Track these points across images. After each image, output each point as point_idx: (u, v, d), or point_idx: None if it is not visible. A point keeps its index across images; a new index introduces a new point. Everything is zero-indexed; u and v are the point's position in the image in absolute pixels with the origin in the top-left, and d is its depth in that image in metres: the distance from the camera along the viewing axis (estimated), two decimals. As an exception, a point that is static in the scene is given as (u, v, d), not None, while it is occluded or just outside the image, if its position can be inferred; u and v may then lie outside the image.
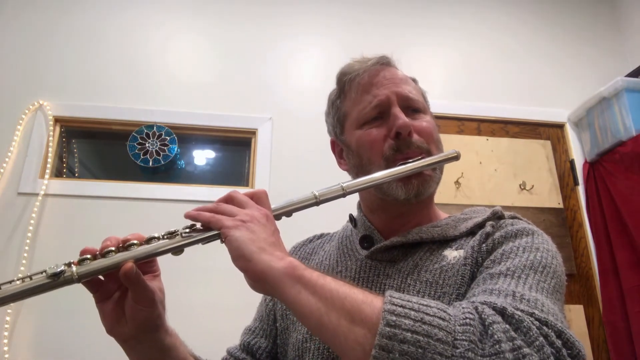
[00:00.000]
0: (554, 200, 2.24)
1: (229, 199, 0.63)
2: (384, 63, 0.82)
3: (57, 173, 2.05)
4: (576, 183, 2.29)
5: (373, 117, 0.78)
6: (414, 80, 0.86)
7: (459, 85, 2.40)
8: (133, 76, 2.16)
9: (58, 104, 2.06)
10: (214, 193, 2.00)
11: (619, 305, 1.98)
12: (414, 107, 0.79)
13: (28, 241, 1.82)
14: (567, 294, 2.05)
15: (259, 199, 0.64)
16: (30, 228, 1.83)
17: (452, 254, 0.70)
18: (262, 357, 0.84)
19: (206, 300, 1.83)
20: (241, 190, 0.66)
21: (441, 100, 2.29)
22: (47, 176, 1.94)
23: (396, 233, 0.77)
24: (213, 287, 1.85)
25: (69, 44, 2.18)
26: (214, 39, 2.31)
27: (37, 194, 1.89)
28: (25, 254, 1.80)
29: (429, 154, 0.76)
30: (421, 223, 0.78)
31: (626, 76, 2.20)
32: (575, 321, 2.03)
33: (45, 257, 1.81)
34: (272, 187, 2.03)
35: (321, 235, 0.96)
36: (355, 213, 0.88)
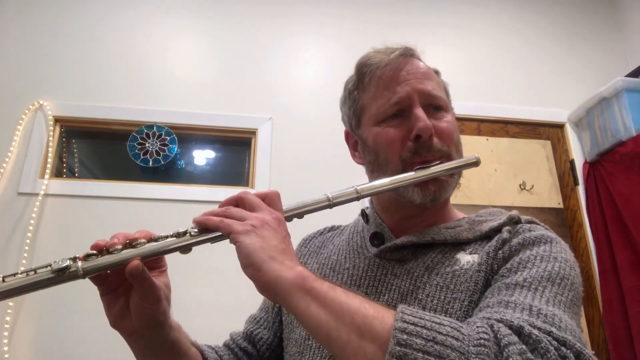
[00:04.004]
0: (554, 200, 2.24)
1: (239, 200, 0.61)
2: (408, 55, 0.77)
3: (57, 173, 2.05)
4: (576, 183, 2.29)
5: (392, 115, 0.74)
6: (437, 73, 0.82)
7: (459, 85, 2.37)
8: (133, 76, 2.16)
9: (58, 104, 2.06)
10: (214, 193, 2.00)
11: (619, 305, 1.98)
12: (435, 105, 0.76)
13: (28, 241, 1.82)
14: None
15: (271, 200, 0.62)
16: (30, 228, 1.83)
17: (466, 258, 0.68)
18: (262, 349, 0.84)
19: (207, 300, 1.83)
20: (249, 191, 0.64)
21: (441, 100, 2.29)
22: (47, 176, 1.94)
23: (408, 232, 0.75)
24: (214, 287, 1.85)
25: (69, 44, 2.18)
26: (214, 39, 2.31)
27: (37, 194, 1.89)
28: (25, 254, 1.80)
29: (448, 157, 0.74)
30: (435, 223, 0.76)
31: (626, 76, 2.20)
32: (575, 321, 2.03)
33: (45, 257, 1.81)
34: (272, 187, 2.01)
35: (332, 228, 0.95)
36: (367, 208, 0.86)
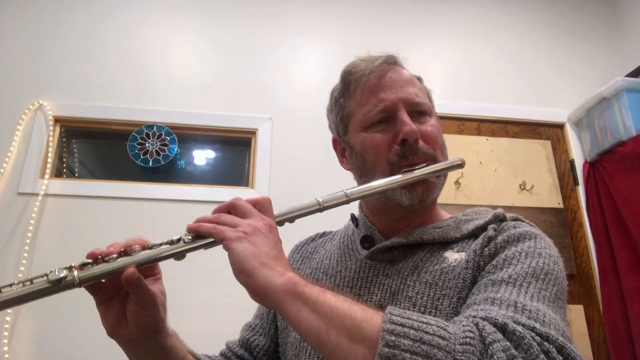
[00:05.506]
0: (554, 200, 2.24)
1: (231, 207, 0.62)
2: (391, 63, 0.80)
3: (57, 173, 2.05)
4: (576, 183, 2.29)
5: (378, 121, 0.76)
6: (420, 79, 0.85)
7: (459, 85, 2.40)
8: (133, 76, 2.16)
9: (58, 104, 2.06)
10: (214, 193, 2.00)
11: (619, 305, 1.98)
12: (419, 111, 0.78)
13: (28, 241, 1.82)
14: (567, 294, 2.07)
15: (262, 207, 0.63)
16: (30, 228, 1.83)
17: (453, 256, 0.70)
18: (259, 355, 0.85)
19: (206, 301, 1.83)
20: (242, 193, 0.65)
21: (441, 100, 2.26)
22: (47, 176, 1.94)
23: (397, 234, 0.77)
24: (212, 288, 1.84)
25: (69, 44, 2.17)
26: (214, 39, 2.31)
27: (37, 194, 1.89)
28: (25, 254, 1.80)
29: (434, 160, 0.76)
30: (423, 224, 0.78)
31: (626, 76, 2.20)
32: (575, 321, 2.03)
33: (45, 257, 1.81)
34: (272, 187, 2.03)
35: (323, 234, 0.97)
36: (357, 212, 0.88)
